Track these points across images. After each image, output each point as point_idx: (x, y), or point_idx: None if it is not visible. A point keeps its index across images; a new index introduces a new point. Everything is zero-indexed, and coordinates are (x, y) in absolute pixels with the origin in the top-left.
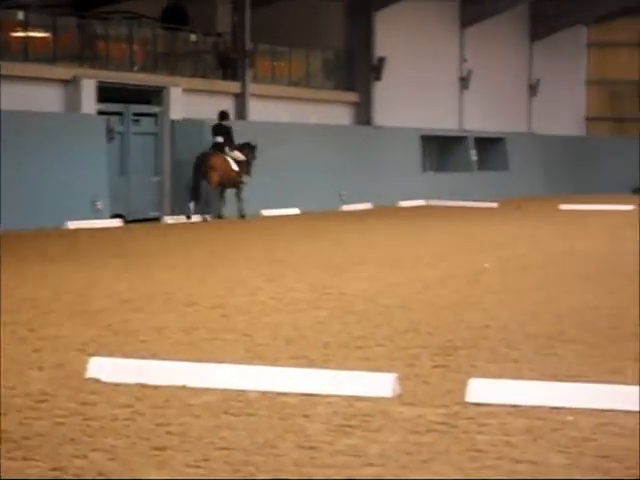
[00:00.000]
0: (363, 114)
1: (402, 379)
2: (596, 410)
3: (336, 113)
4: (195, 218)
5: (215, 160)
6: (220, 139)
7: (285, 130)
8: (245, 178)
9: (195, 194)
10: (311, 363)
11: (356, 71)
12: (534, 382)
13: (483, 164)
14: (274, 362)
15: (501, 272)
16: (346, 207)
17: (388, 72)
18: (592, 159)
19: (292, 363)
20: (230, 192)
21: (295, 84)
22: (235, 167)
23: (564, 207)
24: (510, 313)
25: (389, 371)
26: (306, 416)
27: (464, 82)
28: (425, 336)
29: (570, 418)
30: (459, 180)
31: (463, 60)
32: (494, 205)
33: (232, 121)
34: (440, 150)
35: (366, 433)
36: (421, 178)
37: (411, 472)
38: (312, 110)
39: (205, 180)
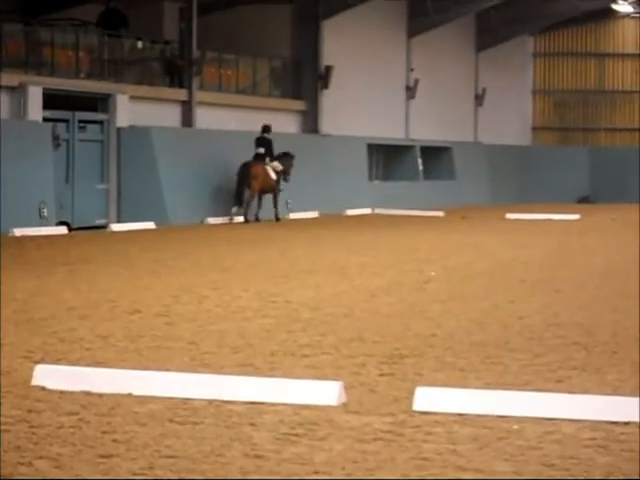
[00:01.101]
0: (310, 122)
1: (348, 387)
2: (542, 419)
3: (283, 121)
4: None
5: (256, 169)
6: (261, 150)
7: (232, 138)
8: (282, 185)
9: (238, 199)
10: (257, 371)
11: (303, 79)
12: (480, 391)
13: (430, 173)
14: (220, 370)
15: (447, 281)
16: (293, 215)
17: (335, 81)
18: (538, 169)
19: (238, 371)
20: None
21: (242, 92)
22: (273, 176)
23: (510, 216)
24: (456, 322)
25: (335, 379)
26: (252, 424)
27: (411, 91)
28: (371, 344)
29: (516, 427)
30: (406, 189)
31: (410, 69)
32: (440, 214)
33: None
34: (387, 159)
35: (312, 441)
36: (368, 187)
37: None
38: (259, 118)
39: (246, 187)
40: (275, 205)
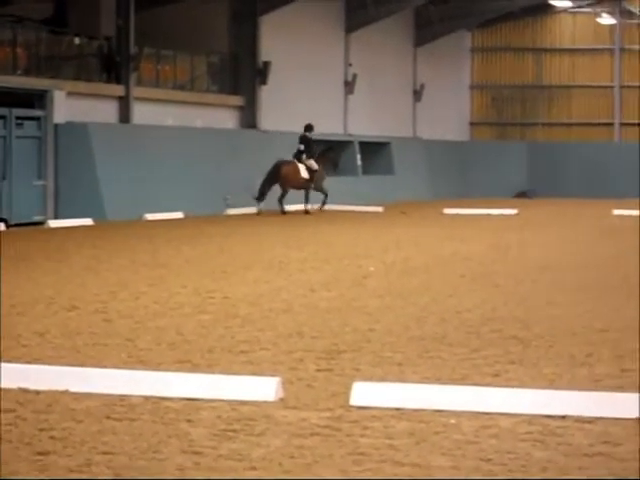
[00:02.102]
0: (248, 118)
1: (286, 383)
2: (479, 413)
3: (221, 117)
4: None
5: (286, 169)
6: (302, 147)
7: (170, 134)
8: (325, 182)
9: (261, 195)
10: (195, 368)
11: (241, 75)
12: (417, 385)
13: (368, 168)
14: (157, 367)
15: (386, 276)
16: (231, 211)
17: (273, 76)
18: (476, 163)
19: (176, 368)
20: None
21: (180, 87)
22: (305, 175)
23: (448, 211)
24: (394, 316)
25: (273, 375)
26: (190, 421)
27: (349, 86)
28: (309, 340)
29: (453, 421)
30: (344, 184)
31: (348, 65)
32: (379, 209)
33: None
34: None
35: (249, 437)
36: None
37: (294, 475)
38: (197, 114)
39: (278, 184)
40: (306, 200)
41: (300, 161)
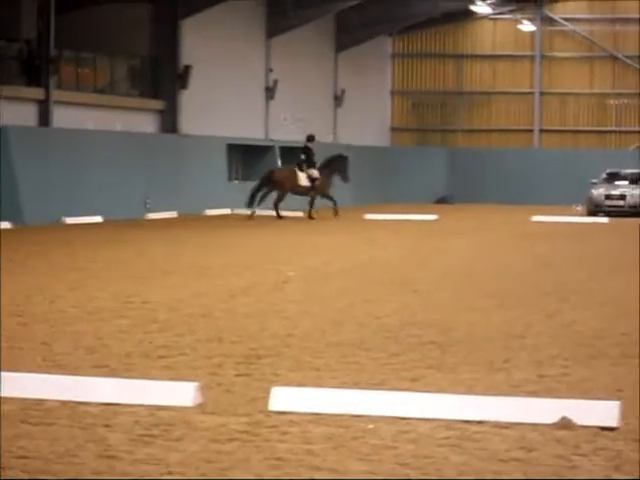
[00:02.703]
0: (169, 122)
1: (204, 388)
2: (397, 418)
3: (141, 121)
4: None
5: (279, 175)
6: (302, 157)
7: (90, 137)
8: (330, 190)
9: (251, 200)
10: (113, 372)
11: (162, 79)
12: (335, 390)
13: None
14: (75, 371)
15: (305, 281)
16: (151, 215)
17: (194, 80)
18: (397, 169)
19: (93, 372)
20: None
21: (100, 91)
22: (304, 182)
23: (369, 217)
24: (313, 321)
25: (191, 380)
26: (107, 425)
27: (270, 92)
28: (228, 345)
29: (371, 426)
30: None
31: (269, 70)
32: (300, 215)
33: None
34: (246, 159)
35: (167, 442)
36: (227, 187)
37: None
38: (117, 117)
39: (274, 190)
40: (310, 206)
41: (301, 169)
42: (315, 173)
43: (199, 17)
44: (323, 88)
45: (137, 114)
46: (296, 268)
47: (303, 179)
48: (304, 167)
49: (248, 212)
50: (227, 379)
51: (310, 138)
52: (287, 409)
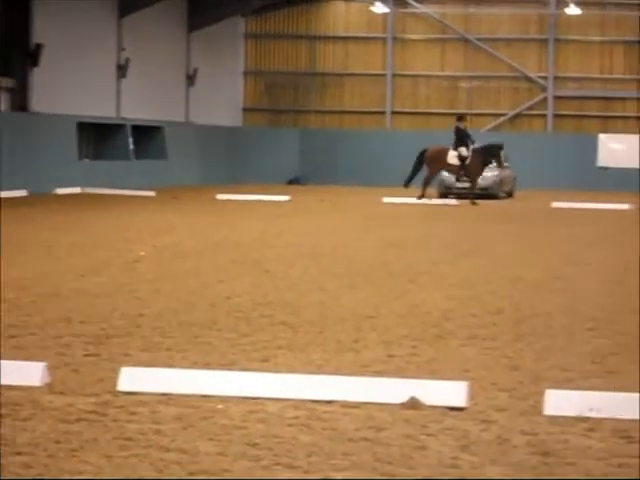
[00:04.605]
0: (19, 100)
1: (52, 368)
2: (247, 398)
3: None
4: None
5: (431, 151)
6: (455, 137)
7: None
8: (477, 178)
9: (409, 180)
10: None
11: (12, 57)
12: (185, 370)
13: (141, 153)
14: None
15: (157, 260)
16: (3, 194)
17: (46, 59)
18: (249, 150)
19: None
20: None
21: None
22: (453, 161)
23: (221, 197)
24: (164, 301)
25: (40, 360)
26: None
27: (122, 70)
28: (77, 325)
29: (220, 406)
30: (116, 168)
31: (121, 49)
32: (152, 194)
33: None
34: (97, 138)
35: (15, 422)
36: (77, 166)
37: (59, 461)
38: None
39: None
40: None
41: (454, 149)
42: (464, 151)
43: None
44: (175, 67)
45: None
46: (147, 247)
47: (452, 157)
48: (457, 147)
49: (418, 191)
50: (76, 359)
51: (460, 118)
52: (136, 389)
